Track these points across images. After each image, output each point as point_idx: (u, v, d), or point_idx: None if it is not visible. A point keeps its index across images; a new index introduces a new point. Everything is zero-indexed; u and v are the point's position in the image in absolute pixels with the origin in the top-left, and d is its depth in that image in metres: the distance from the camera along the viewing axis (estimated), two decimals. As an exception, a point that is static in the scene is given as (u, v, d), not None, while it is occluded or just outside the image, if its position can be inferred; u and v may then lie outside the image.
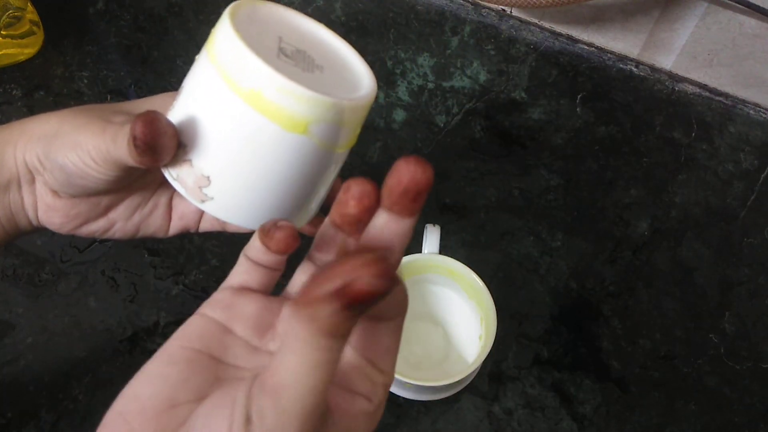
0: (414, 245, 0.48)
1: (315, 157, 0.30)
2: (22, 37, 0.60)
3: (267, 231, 0.27)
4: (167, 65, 0.62)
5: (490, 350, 0.45)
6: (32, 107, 0.59)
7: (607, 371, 0.51)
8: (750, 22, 0.56)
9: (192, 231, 0.39)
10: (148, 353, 0.48)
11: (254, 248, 0.28)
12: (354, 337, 0.26)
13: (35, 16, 0.62)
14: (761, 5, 0.53)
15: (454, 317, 0.50)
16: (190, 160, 0.30)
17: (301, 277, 0.29)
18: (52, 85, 0.61)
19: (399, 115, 0.60)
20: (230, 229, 0.38)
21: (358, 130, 0.32)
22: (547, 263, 0.54)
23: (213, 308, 0.27)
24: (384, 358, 0.26)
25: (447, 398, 0.49)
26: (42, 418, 0.47)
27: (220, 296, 0.28)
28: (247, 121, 0.28)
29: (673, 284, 0.54)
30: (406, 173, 0.24)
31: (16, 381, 0.49)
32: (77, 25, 0.64)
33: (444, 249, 0.50)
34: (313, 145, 0.29)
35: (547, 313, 0.53)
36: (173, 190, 0.37)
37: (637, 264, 0.55)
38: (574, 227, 0.56)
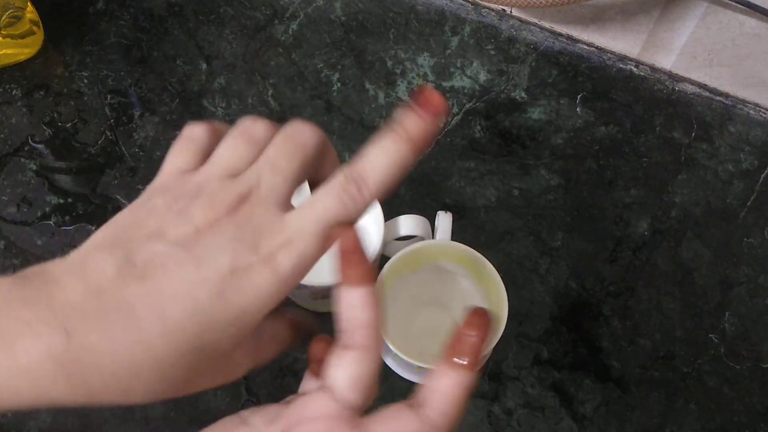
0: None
1: None
2: (22, 37, 0.60)
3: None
4: (167, 65, 0.62)
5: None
6: (32, 107, 0.59)
7: (607, 371, 0.51)
8: (750, 22, 0.56)
9: None
10: (148, 353, 0.48)
11: None
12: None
13: (35, 16, 0.62)
14: (761, 5, 0.53)
15: (465, 304, 0.50)
16: None
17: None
18: (52, 85, 0.61)
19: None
20: None
21: None
22: (547, 263, 0.54)
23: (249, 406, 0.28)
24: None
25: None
26: (42, 418, 0.47)
27: None
28: None
29: (673, 284, 0.54)
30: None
31: (16, 381, 0.49)
32: (77, 25, 0.64)
33: (444, 249, 0.50)
34: None
35: (547, 313, 0.53)
36: None
37: (637, 264, 0.55)
38: (574, 227, 0.56)
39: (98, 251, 0.25)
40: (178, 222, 0.25)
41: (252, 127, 0.28)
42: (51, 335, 0.22)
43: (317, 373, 0.27)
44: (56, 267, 0.24)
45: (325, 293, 0.46)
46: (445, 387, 0.26)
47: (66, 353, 0.22)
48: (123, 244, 0.25)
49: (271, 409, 0.27)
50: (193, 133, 0.28)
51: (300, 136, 0.27)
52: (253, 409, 0.27)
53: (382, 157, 0.25)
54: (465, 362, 0.26)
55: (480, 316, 0.27)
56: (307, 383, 0.29)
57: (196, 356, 0.24)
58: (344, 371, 0.26)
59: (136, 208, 0.26)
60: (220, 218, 0.25)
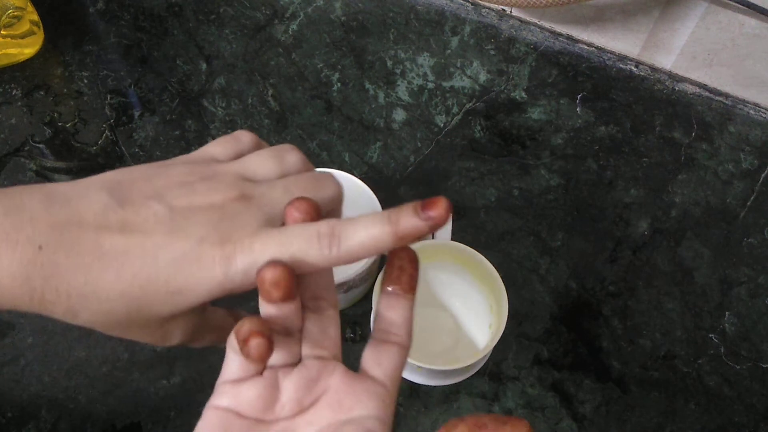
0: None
1: None
2: (22, 37, 0.60)
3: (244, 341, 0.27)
4: (167, 65, 0.62)
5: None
6: (32, 107, 0.59)
7: (607, 371, 0.51)
8: (750, 22, 0.56)
9: None
10: (147, 352, 0.48)
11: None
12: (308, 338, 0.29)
13: (35, 16, 0.62)
14: (761, 5, 0.53)
15: (465, 305, 0.50)
16: None
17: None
18: (52, 85, 0.61)
19: (399, 115, 0.60)
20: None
21: None
22: (547, 263, 0.54)
23: (221, 399, 0.28)
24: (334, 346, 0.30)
25: (447, 398, 0.49)
26: (42, 418, 0.47)
27: (222, 389, 0.28)
28: None
29: (673, 284, 0.54)
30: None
31: (16, 381, 0.49)
32: (77, 25, 0.64)
33: (444, 249, 0.50)
34: None
35: (547, 313, 0.53)
36: None
37: (637, 264, 0.55)
38: (574, 227, 0.56)
39: (100, 188, 0.27)
40: (180, 193, 0.27)
41: (288, 152, 0.30)
42: (26, 247, 0.25)
43: (248, 353, 0.27)
44: (59, 188, 0.27)
45: (350, 286, 0.48)
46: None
47: (34, 266, 0.25)
48: (125, 191, 0.27)
49: (293, 394, 0.28)
50: (240, 135, 0.31)
51: (324, 181, 0.29)
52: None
53: (364, 232, 0.26)
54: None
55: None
56: (232, 366, 0.29)
57: (136, 307, 0.26)
58: (389, 363, 0.29)
59: (157, 166, 0.29)
60: (214, 204, 0.27)
